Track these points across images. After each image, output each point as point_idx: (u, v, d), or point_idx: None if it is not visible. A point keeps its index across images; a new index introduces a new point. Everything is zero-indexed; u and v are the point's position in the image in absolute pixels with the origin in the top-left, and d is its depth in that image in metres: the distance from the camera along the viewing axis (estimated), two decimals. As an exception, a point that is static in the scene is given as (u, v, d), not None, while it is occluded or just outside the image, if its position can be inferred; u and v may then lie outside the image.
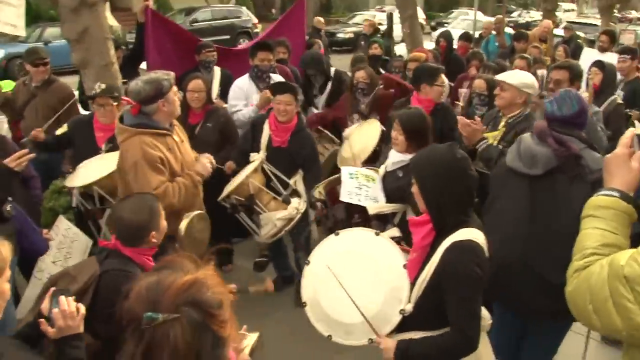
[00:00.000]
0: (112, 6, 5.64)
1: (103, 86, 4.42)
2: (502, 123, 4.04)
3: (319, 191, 4.20)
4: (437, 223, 2.47)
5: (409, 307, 2.49)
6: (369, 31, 10.20)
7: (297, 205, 4.39)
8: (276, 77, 5.47)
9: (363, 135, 4.98)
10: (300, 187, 4.60)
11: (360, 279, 2.65)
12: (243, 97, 5.36)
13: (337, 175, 4.04)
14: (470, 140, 3.78)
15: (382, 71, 7.37)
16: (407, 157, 3.72)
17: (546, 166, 2.97)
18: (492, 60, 7.18)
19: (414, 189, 2.55)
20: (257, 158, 4.44)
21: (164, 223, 2.78)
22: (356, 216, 3.83)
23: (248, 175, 4.27)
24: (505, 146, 3.74)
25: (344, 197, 3.70)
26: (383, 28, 19.66)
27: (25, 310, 3.41)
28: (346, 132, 5.17)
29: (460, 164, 2.45)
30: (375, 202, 3.71)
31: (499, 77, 4.13)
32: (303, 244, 4.76)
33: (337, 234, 2.93)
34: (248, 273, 5.19)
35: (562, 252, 2.54)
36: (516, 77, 4.06)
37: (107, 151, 4.31)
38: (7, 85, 5.97)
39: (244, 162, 4.54)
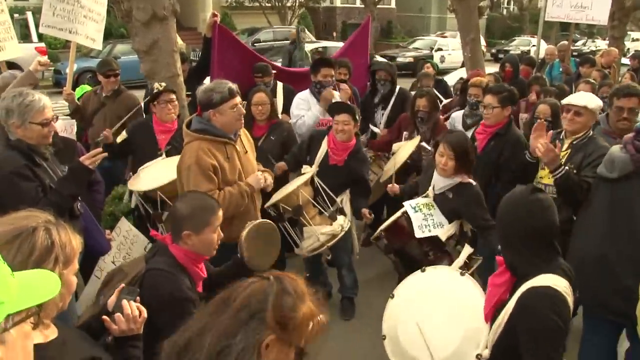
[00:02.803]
0: (178, 25, 5.94)
1: (164, 84, 4.62)
2: (566, 145, 3.95)
3: (381, 231, 4.09)
4: (508, 262, 2.43)
5: (486, 353, 2.44)
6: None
7: (342, 222, 4.39)
8: (336, 95, 5.52)
9: (400, 152, 5.08)
10: (347, 207, 4.63)
11: (441, 318, 2.67)
12: (306, 108, 5.46)
13: (397, 215, 3.97)
14: (550, 165, 3.67)
15: (436, 91, 7.34)
16: (455, 180, 3.80)
17: (622, 170, 3.16)
18: (553, 85, 7.02)
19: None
20: (309, 171, 4.47)
21: (210, 235, 2.58)
22: (430, 253, 3.81)
23: (299, 186, 4.29)
24: (572, 168, 3.70)
25: (418, 233, 3.70)
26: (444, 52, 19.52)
27: (84, 307, 3.53)
28: (394, 146, 5.23)
29: (533, 205, 2.35)
30: (442, 227, 3.74)
31: (576, 101, 3.95)
32: (346, 261, 4.80)
33: (423, 270, 3.06)
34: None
35: (636, 253, 2.72)
36: (593, 101, 3.95)
37: (167, 152, 4.47)
38: (80, 91, 6.24)
39: (295, 169, 4.62)
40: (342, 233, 4.35)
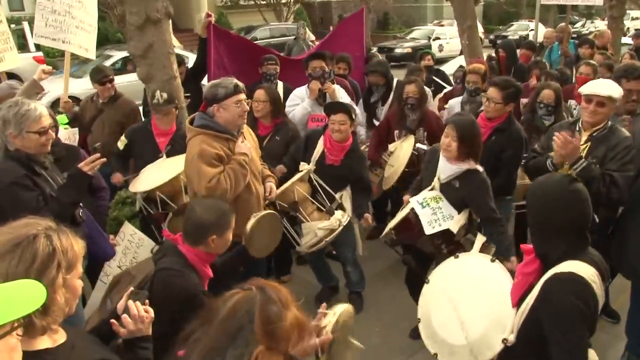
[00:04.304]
0: (174, 27, 5.94)
1: (165, 96, 4.61)
2: (585, 137, 3.71)
3: (390, 230, 3.97)
4: (538, 250, 2.41)
5: (512, 338, 2.46)
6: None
7: (340, 217, 4.35)
8: (337, 90, 5.50)
9: (397, 156, 5.00)
10: (347, 203, 4.59)
11: (471, 302, 2.73)
12: (299, 102, 5.48)
13: (405, 212, 3.86)
14: (569, 159, 3.48)
15: (437, 79, 7.33)
16: (462, 166, 3.70)
17: None
18: (555, 69, 6.98)
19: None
20: (306, 168, 4.45)
21: (229, 235, 2.82)
22: (443, 247, 3.73)
23: (294, 182, 4.28)
24: (593, 162, 3.49)
25: (428, 230, 3.64)
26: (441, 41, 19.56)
27: (91, 312, 3.54)
28: (390, 147, 5.18)
29: (572, 197, 2.33)
30: (452, 219, 3.68)
31: (599, 91, 3.62)
32: (350, 258, 4.75)
33: (456, 257, 3.11)
34: (306, 284, 5.18)
35: None
36: (617, 90, 3.65)
37: (168, 154, 4.47)
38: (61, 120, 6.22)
39: (294, 169, 4.58)
40: (340, 228, 4.31)
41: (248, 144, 3.76)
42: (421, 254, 3.92)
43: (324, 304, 2.09)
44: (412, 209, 3.77)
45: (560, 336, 2.20)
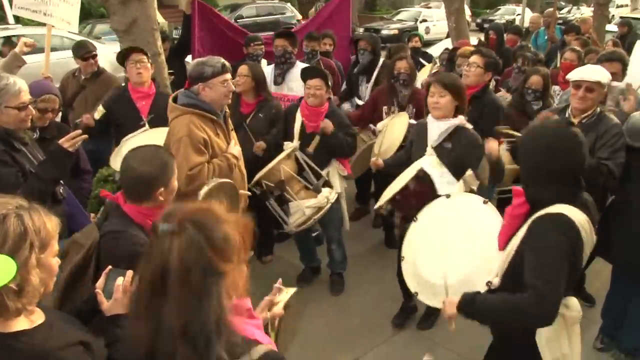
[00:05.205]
0: (159, 3, 5.83)
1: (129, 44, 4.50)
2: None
3: (385, 202, 3.82)
4: (530, 195, 2.36)
5: (496, 281, 2.44)
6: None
7: (328, 194, 4.35)
8: (301, 65, 5.44)
9: (391, 131, 4.93)
10: (334, 179, 4.59)
11: (458, 243, 2.69)
12: None
13: (412, 174, 3.67)
14: None
15: (423, 62, 7.33)
16: (452, 122, 3.69)
17: None
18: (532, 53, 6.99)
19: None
20: (290, 146, 4.42)
21: (175, 183, 2.55)
22: None
23: (280, 160, 4.26)
24: None
25: (443, 189, 3.50)
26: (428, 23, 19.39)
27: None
28: (379, 125, 5.11)
29: (572, 141, 2.29)
30: (454, 185, 3.60)
31: (588, 76, 3.58)
32: (335, 236, 4.75)
33: (448, 196, 3.05)
34: (288, 264, 5.20)
35: None
36: (606, 75, 3.61)
37: (150, 122, 4.40)
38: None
39: (277, 149, 4.54)
40: (328, 205, 4.31)
41: (238, 147, 3.75)
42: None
43: (280, 279, 2.10)
44: (416, 175, 3.64)
45: (537, 268, 2.18)
